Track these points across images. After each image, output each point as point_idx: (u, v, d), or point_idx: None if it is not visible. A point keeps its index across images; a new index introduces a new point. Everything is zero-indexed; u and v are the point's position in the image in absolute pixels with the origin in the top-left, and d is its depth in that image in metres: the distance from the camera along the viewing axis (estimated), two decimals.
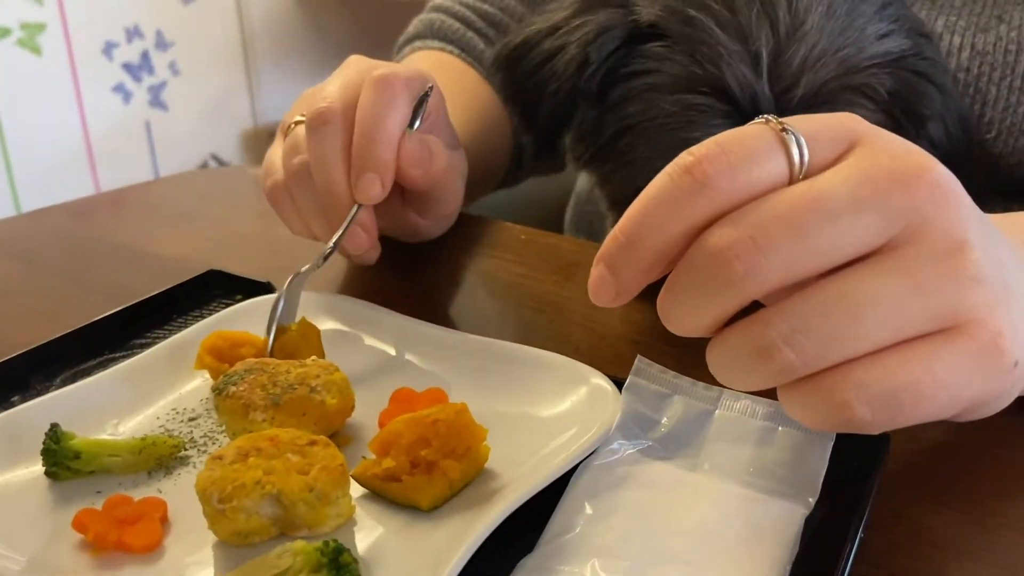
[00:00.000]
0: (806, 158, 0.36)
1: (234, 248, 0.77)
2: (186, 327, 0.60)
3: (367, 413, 0.50)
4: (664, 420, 0.47)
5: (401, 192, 0.65)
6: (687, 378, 0.47)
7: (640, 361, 0.48)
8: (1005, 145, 0.67)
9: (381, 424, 0.48)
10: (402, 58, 0.92)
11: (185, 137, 2.55)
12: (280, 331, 0.54)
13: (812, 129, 0.36)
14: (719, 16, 0.55)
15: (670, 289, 0.36)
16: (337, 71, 0.64)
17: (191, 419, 0.50)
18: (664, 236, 0.36)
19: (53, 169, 2.33)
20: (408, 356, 0.55)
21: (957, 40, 0.67)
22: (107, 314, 0.60)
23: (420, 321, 0.57)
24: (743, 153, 0.35)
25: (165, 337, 0.59)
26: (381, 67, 0.61)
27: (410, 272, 0.72)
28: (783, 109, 0.54)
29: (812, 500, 0.41)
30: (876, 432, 0.36)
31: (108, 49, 2.37)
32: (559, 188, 1.09)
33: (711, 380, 0.39)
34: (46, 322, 0.65)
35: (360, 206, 0.59)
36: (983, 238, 0.36)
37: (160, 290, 0.63)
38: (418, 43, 0.92)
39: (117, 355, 0.58)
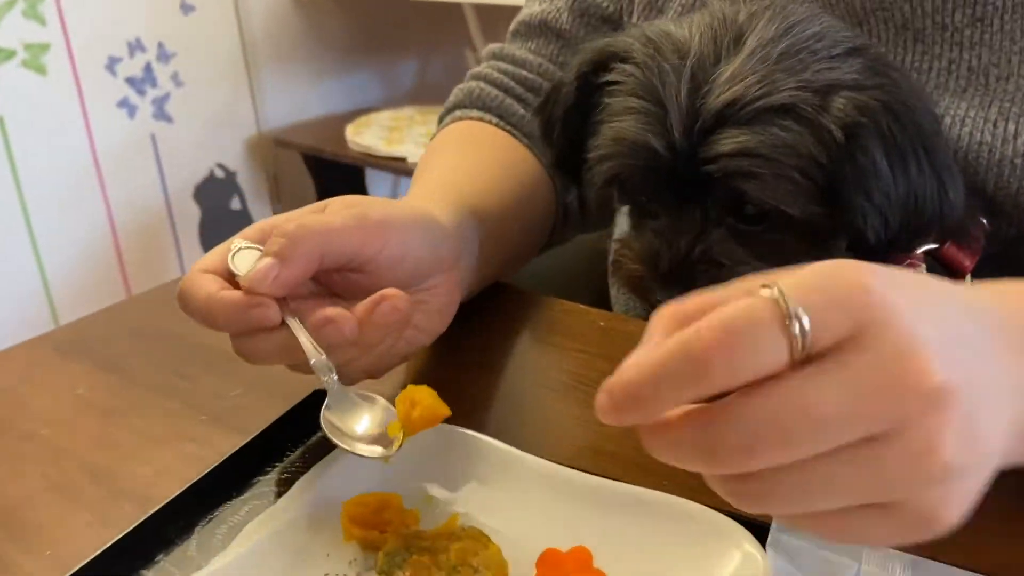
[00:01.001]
0: (808, 341, 0.36)
1: None
2: (300, 458, 0.62)
3: (515, 574, 0.51)
4: None
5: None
6: None
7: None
8: None
9: None
10: (443, 127, 0.95)
11: (190, 148, 2.54)
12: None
13: (819, 307, 0.36)
14: (675, 38, 0.63)
15: (659, 443, 0.38)
16: None
17: None
18: (660, 405, 0.37)
19: (62, 186, 2.32)
20: (538, 503, 0.55)
21: (1012, 127, 0.69)
22: (229, 455, 0.61)
23: (540, 459, 0.57)
24: (746, 345, 0.36)
25: (282, 473, 0.61)
26: None
27: (489, 366, 0.73)
28: (695, 115, 0.59)
29: None
30: None
31: (111, 64, 2.35)
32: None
33: None
34: (162, 450, 0.66)
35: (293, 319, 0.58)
36: (959, 442, 0.37)
37: (269, 422, 0.64)
38: (458, 112, 0.95)
39: (244, 496, 0.59)
